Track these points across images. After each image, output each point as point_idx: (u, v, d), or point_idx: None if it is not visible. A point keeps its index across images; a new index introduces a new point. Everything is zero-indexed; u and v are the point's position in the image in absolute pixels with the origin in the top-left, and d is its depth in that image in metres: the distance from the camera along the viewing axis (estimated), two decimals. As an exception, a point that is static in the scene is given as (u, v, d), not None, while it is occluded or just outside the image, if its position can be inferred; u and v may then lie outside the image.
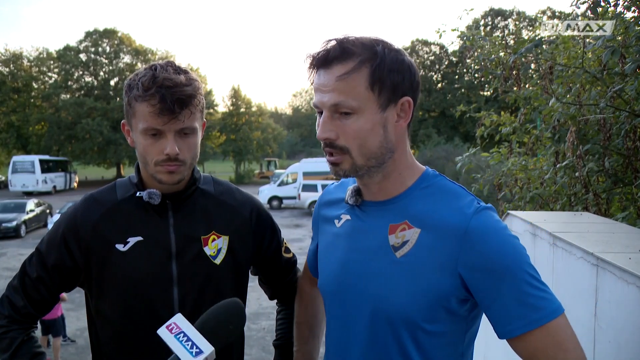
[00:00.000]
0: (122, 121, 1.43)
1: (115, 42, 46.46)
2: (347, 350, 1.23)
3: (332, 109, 1.12)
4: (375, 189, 1.22)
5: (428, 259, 1.11)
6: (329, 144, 1.15)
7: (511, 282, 1.05)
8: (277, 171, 31.98)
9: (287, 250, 1.71)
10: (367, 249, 1.20)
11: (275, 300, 1.79)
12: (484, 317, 1.17)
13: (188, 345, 1.09)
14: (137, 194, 1.43)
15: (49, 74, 47.41)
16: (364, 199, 1.25)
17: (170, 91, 1.29)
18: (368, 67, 1.10)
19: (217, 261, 1.46)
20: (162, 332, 1.13)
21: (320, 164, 27.93)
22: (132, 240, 1.41)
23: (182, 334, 1.11)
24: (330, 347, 1.31)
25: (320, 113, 1.15)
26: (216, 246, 1.47)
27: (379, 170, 1.18)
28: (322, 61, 1.12)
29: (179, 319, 1.15)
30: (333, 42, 1.12)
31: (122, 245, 1.41)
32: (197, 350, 1.09)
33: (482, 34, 5.19)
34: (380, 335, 1.16)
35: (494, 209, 1.15)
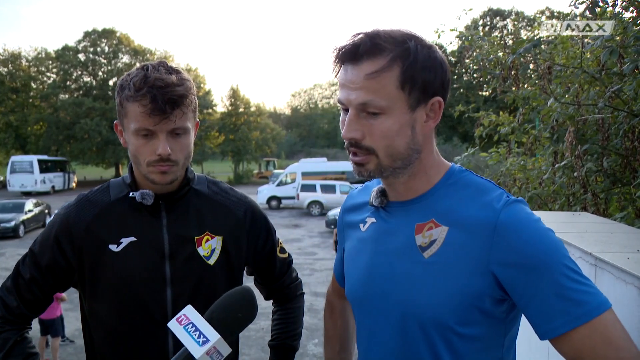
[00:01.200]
0: (114, 121, 1.43)
1: (114, 42, 46.47)
2: (380, 359, 1.18)
3: (359, 107, 1.06)
4: (401, 188, 1.16)
5: (458, 257, 1.05)
6: (354, 144, 1.09)
7: (549, 276, 0.97)
8: (276, 171, 31.95)
9: (283, 250, 1.69)
10: (393, 251, 1.15)
11: (271, 301, 1.78)
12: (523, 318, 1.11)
13: (196, 335, 1.09)
14: (130, 194, 1.43)
15: (48, 74, 47.48)
16: (389, 200, 1.20)
17: (162, 91, 1.28)
18: (400, 65, 1.04)
19: (211, 262, 1.45)
20: (172, 324, 1.13)
21: (319, 164, 28.01)
22: (126, 241, 1.40)
23: (190, 325, 1.11)
24: (361, 356, 1.26)
25: (345, 110, 1.10)
26: (210, 247, 1.46)
27: (405, 171, 1.12)
28: (350, 55, 1.05)
29: (188, 311, 1.14)
30: (362, 36, 1.05)
31: (116, 245, 1.40)
32: (204, 339, 1.08)
33: (481, 34, 5.19)
34: (411, 341, 1.10)
35: (524, 201, 1.08)
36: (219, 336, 1.09)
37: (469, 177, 1.16)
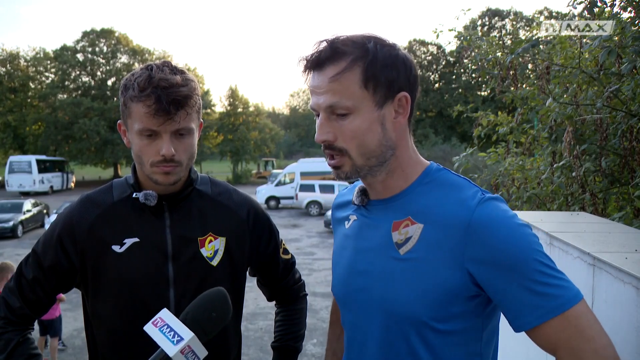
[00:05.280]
0: (118, 121, 1.43)
1: (113, 42, 46.38)
2: (361, 354, 1.20)
3: (327, 110, 1.11)
4: (380, 187, 1.19)
5: (433, 254, 1.08)
6: (328, 146, 1.13)
7: (522, 273, 1.00)
8: (275, 171, 31.91)
9: (286, 251, 1.70)
10: (371, 248, 1.18)
11: (274, 302, 1.78)
12: None
13: (170, 335, 1.12)
14: (134, 195, 1.43)
15: (46, 73, 47.36)
16: (370, 199, 1.24)
17: (166, 92, 1.28)
18: (360, 65, 1.08)
19: (214, 262, 1.46)
20: (148, 327, 1.16)
21: (318, 164, 27.94)
22: (129, 242, 1.41)
23: (165, 326, 1.14)
24: (346, 351, 1.28)
25: (318, 115, 1.14)
26: (213, 247, 1.46)
27: (382, 168, 1.15)
28: (314, 63, 1.11)
29: (164, 314, 1.17)
30: (324, 44, 1.11)
31: (119, 246, 1.40)
32: (179, 338, 1.11)
33: (479, 34, 5.20)
34: (390, 336, 1.14)
35: (501, 198, 1.10)
36: (193, 334, 1.12)
37: (446, 175, 1.19)
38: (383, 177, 1.18)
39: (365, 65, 1.09)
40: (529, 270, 1.01)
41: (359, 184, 1.31)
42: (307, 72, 1.14)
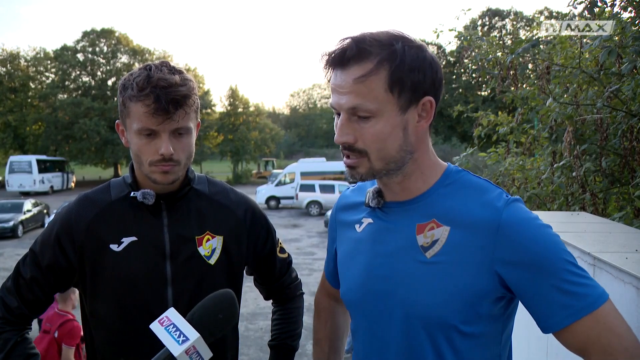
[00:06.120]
0: (116, 121, 1.44)
1: (113, 42, 46.41)
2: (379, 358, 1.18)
3: (349, 111, 1.07)
4: (397, 189, 1.17)
5: (461, 257, 1.07)
6: (347, 147, 1.10)
7: (551, 273, 1.00)
8: (275, 171, 31.95)
9: (282, 250, 1.70)
10: (393, 251, 1.15)
11: (271, 301, 1.78)
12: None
13: (176, 335, 1.12)
14: (131, 194, 1.43)
15: (46, 73, 47.39)
16: (386, 200, 1.20)
17: (165, 91, 1.28)
18: (387, 67, 1.05)
19: (212, 261, 1.46)
20: (154, 326, 1.15)
21: (318, 164, 28.00)
22: (127, 241, 1.41)
23: (171, 326, 1.13)
24: (360, 356, 1.25)
25: (338, 114, 1.11)
26: (210, 246, 1.46)
27: (399, 172, 1.13)
28: (338, 61, 1.07)
29: (170, 313, 1.17)
30: (349, 41, 1.06)
31: (116, 245, 1.40)
32: (184, 338, 1.11)
33: (480, 34, 5.20)
34: (414, 340, 1.11)
35: (521, 200, 1.10)
36: (199, 335, 1.11)
37: (467, 177, 1.17)
38: (400, 179, 1.15)
39: (392, 68, 1.05)
40: (559, 270, 1.00)
41: (367, 185, 1.29)
42: (329, 69, 1.10)
